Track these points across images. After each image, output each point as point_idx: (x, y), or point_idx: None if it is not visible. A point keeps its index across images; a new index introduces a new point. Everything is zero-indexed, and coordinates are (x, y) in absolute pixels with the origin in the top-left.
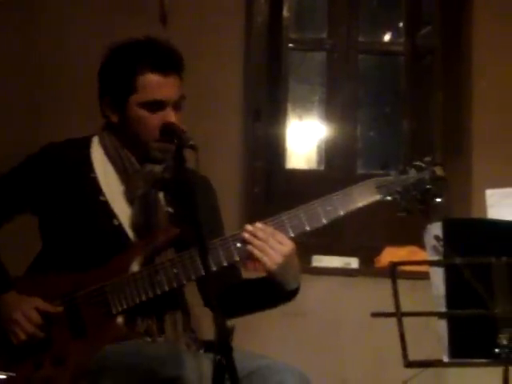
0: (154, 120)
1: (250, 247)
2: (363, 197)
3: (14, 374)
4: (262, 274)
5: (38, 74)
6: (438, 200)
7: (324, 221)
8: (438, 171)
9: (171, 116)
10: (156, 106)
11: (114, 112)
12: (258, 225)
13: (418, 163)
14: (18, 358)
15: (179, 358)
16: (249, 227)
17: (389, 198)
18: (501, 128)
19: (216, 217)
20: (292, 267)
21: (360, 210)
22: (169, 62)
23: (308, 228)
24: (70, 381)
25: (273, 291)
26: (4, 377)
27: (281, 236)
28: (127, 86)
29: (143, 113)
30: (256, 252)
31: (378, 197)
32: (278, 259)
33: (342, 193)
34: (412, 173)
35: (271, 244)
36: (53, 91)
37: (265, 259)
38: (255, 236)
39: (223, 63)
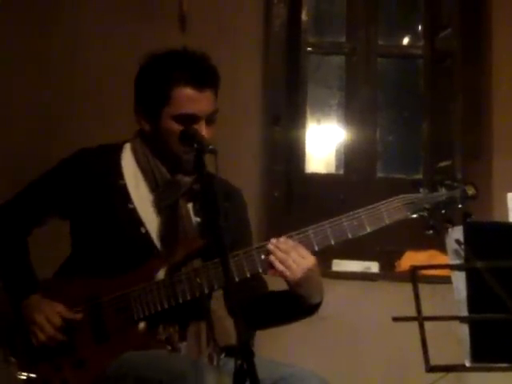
0: None
1: (272, 258)
2: (391, 214)
3: (35, 376)
4: (285, 288)
5: (53, 79)
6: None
7: (350, 236)
8: (470, 190)
9: (202, 130)
10: (189, 119)
11: (147, 122)
12: (282, 239)
13: (448, 182)
14: (39, 359)
15: (199, 373)
16: (273, 240)
17: (417, 215)
18: None
19: (244, 229)
20: (313, 281)
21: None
22: (205, 76)
23: (333, 242)
24: None
25: (294, 304)
26: (24, 377)
27: (303, 250)
28: (162, 97)
29: (175, 126)
30: (277, 264)
31: (406, 214)
32: (299, 273)
33: (370, 209)
34: (442, 191)
35: (293, 257)
36: (67, 97)
37: (286, 272)
38: (278, 248)
39: (241, 67)
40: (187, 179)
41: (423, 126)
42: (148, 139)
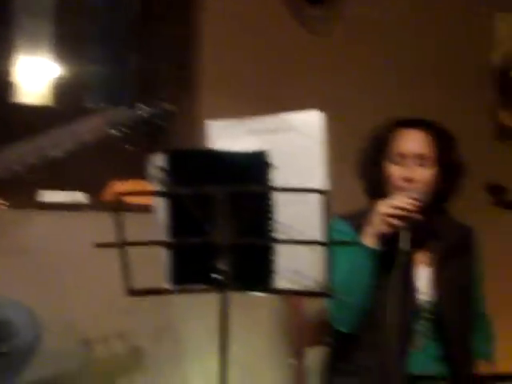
0: None
1: None
2: (91, 130)
3: None
4: None
5: None
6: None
7: (50, 153)
8: (167, 107)
9: None
10: None
11: None
12: None
13: (148, 99)
14: None
15: None
16: None
17: (118, 132)
18: (227, 64)
19: None
20: None
21: (88, 143)
22: None
23: (32, 161)
24: None
25: None
26: None
27: None
28: None
29: None
30: None
31: (106, 131)
32: None
33: (70, 127)
34: (142, 108)
35: None
36: None
37: None
38: None
39: None
40: None
41: (132, 58)
42: None
